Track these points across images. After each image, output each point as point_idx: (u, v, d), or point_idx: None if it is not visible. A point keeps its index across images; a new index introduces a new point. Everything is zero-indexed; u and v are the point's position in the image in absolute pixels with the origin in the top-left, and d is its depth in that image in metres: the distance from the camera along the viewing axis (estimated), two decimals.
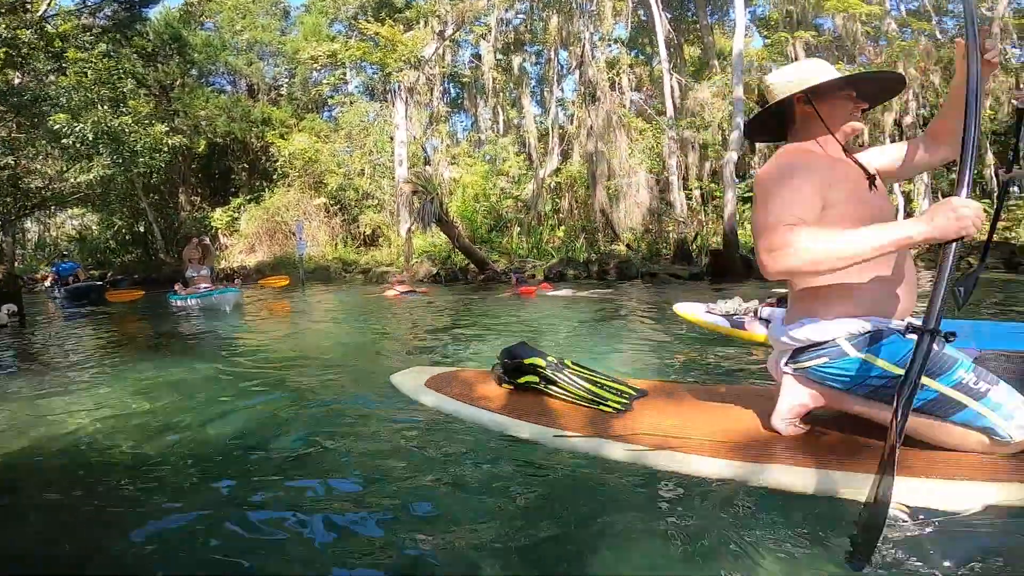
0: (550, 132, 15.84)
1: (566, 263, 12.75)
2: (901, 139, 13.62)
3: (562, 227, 14.15)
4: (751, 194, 10.58)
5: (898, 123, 12.33)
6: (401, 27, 17.89)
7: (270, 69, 22.83)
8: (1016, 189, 10.96)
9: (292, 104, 21.26)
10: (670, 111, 12.83)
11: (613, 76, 15.12)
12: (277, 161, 18.38)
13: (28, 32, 7.11)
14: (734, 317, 4.29)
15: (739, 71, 11.04)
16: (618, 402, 1.99)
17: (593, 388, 2.06)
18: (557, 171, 15.02)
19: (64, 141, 7.77)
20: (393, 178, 17.20)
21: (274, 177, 18.70)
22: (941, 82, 12.12)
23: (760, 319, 4.10)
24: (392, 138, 17.65)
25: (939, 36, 14.33)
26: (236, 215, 18.67)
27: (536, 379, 2.16)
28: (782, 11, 13.84)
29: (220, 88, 22.06)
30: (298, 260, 15.61)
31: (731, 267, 10.48)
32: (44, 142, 8.09)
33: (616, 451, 1.77)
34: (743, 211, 11.04)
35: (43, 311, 10.28)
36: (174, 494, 2.08)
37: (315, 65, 20.66)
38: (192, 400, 3.34)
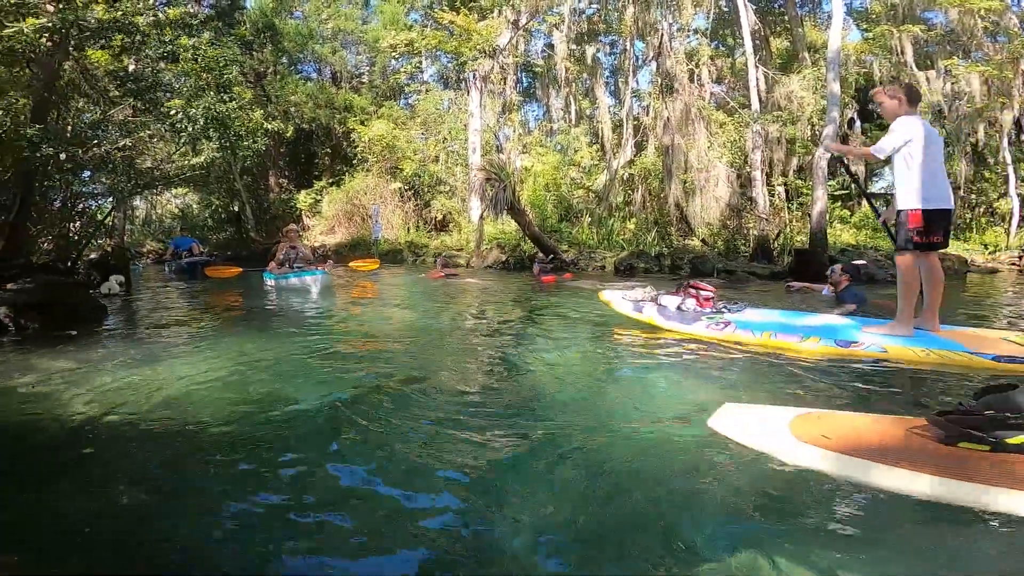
0: (624, 123, 15.27)
1: (637, 256, 12.29)
2: (1019, 138, 12.30)
3: (633, 219, 13.66)
4: (843, 192, 9.96)
5: (1017, 122, 11.10)
6: (475, 16, 17.64)
7: (352, 57, 23.14)
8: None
9: (372, 91, 21.52)
10: (755, 104, 12.04)
11: (692, 67, 14.36)
12: (357, 146, 18.69)
13: (142, 19, 7.25)
14: (638, 303, 4.82)
15: (835, 65, 10.16)
16: None
17: None
18: (630, 163, 14.50)
19: (177, 126, 7.97)
20: (466, 165, 17.10)
21: (354, 162, 19.05)
22: None
23: (659, 305, 4.61)
24: (466, 126, 17.53)
25: None
26: (318, 197, 19.16)
27: None
28: (885, 4, 12.68)
29: (307, 76, 22.57)
30: (372, 242, 15.87)
31: (816, 268, 9.76)
32: (158, 125, 8.33)
33: None
34: (833, 210, 10.27)
35: (147, 282, 10.90)
36: (260, 464, 2.10)
37: (393, 54, 20.74)
38: (279, 376, 3.41)
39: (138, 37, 7.64)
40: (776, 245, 11.10)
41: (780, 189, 12.27)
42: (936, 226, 3.53)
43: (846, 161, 5.22)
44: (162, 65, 8.96)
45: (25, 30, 5.42)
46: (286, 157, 21.09)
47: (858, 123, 14.11)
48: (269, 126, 12.44)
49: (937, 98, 12.59)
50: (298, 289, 7.78)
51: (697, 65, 14.58)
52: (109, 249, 10.10)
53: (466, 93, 17.98)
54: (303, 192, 19.60)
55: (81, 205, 9.16)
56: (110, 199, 9.35)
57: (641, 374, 3.43)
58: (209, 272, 9.93)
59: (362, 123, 18.91)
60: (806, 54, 13.80)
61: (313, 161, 21.12)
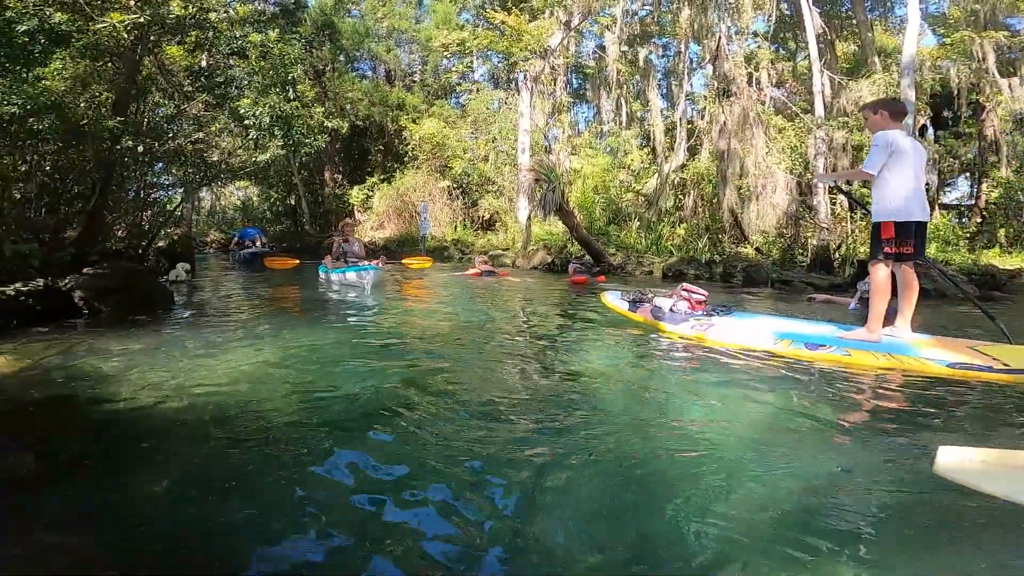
0: (677, 126, 14.85)
1: (687, 262, 11.90)
2: None
3: (684, 225, 13.26)
4: None
5: None
6: (526, 16, 17.49)
7: (406, 56, 23.38)
8: None
9: (424, 90, 21.68)
10: (819, 110, 11.46)
11: (751, 71, 13.82)
12: (408, 144, 18.86)
13: (214, 15, 7.40)
14: (633, 302, 5.17)
15: (910, 71, 9.58)
16: None
17: None
18: (683, 167, 14.08)
19: (246, 123, 8.14)
20: (515, 165, 17.00)
21: (405, 159, 19.22)
22: None
23: (654, 306, 4.86)
24: (516, 126, 17.42)
25: None
26: (370, 193, 19.44)
27: None
28: (964, 9, 11.87)
29: (363, 74, 22.95)
30: (420, 239, 15.96)
31: None
32: (227, 120, 8.53)
33: None
34: None
35: (209, 271, 11.23)
36: (308, 455, 2.12)
37: (445, 53, 20.84)
38: (330, 369, 3.44)
39: (211, 33, 7.84)
40: (837, 256, 10.54)
41: (843, 198, 11.67)
42: (907, 237, 3.66)
43: (839, 185, 5.16)
44: (232, 61, 9.19)
45: (116, 24, 5.57)
46: (341, 153, 21.51)
47: (931, 130, 13.29)
48: (329, 124, 12.65)
49: (1020, 106, 11.72)
50: (351, 284, 7.78)
51: (756, 68, 14.03)
52: (177, 238, 10.47)
53: (516, 93, 17.88)
54: (356, 188, 19.93)
55: (153, 195, 9.50)
56: (180, 190, 9.69)
57: (686, 386, 3.26)
58: (268, 263, 10.11)
59: (414, 121, 19.08)
60: (876, 59, 13.08)
61: (366, 158, 21.47)
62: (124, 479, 1.94)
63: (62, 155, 6.69)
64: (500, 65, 21.36)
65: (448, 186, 17.96)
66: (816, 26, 12.08)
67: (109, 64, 7.50)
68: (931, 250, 10.94)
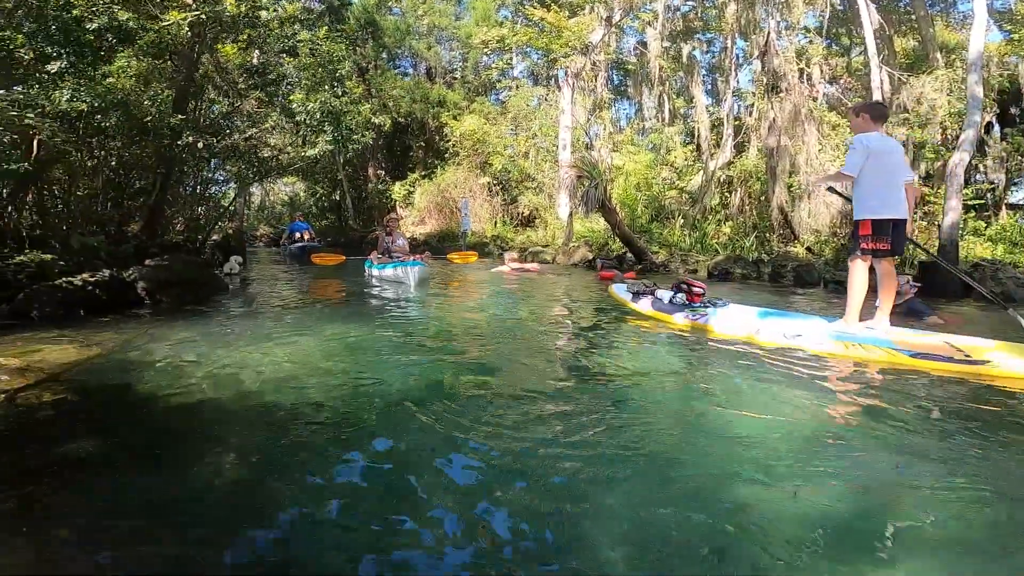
0: (724, 123, 14.34)
1: (733, 261, 11.47)
2: None
3: (730, 223, 12.79)
4: (978, 202, 8.58)
5: None
6: (566, 13, 17.18)
7: (446, 53, 23.37)
8: None
9: (464, 87, 21.63)
10: None
11: (803, 66, 13.20)
12: (449, 141, 18.84)
13: (265, 13, 7.45)
14: (635, 294, 5.43)
15: (978, 67, 8.93)
16: None
17: None
18: (729, 164, 13.59)
19: (297, 119, 8.20)
20: (555, 162, 16.77)
21: (445, 155, 19.22)
22: None
23: (655, 298, 5.12)
24: (556, 122, 17.18)
25: None
26: (411, 189, 19.54)
27: None
28: None
29: (404, 71, 23.06)
30: (460, 235, 15.93)
31: (944, 284, 8.63)
32: (279, 117, 8.62)
33: None
34: (966, 221, 9.03)
35: (260, 264, 11.46)
36: (351, 448, 2.15)
37: (485, 50, 20.74)
38: (375, 363, 3.44)
39: (263, 31, 7.92)
40: (896, 257, 9.96)
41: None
42: (883, 234, 3.78)
43: (831, 186, 5.06)
44: (283, 58, 9.29)
45: (179, 21, 5.65)
46: (383, 149, 21.70)
47: (996, 127, 12.44)
48: (376, 120, 12.72)
49: None
50: (396, 280, 7.68)
51: (808, 64, 13.40)
52: (230, 232, 10.70)
53: (557, 90, 17.63)
54: (398, 184, 20.07)
55: (209, 191, 9.70)
56: (233, 185, 9.86)
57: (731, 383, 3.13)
58: (315, 259, 10.11)
59: (454, 118, 19.05)
60: (938, 55, 12.31)
61: (408, 154, 21.58)
62: (180, 465, 2.00)
63: (126, 151, 6.86)
64: (540, 62, 21.13)
65: (488, 182, 17.87)
66: (873, 21, 11.44)
67: (169, 62, 7.65)
68: (998, 251, 10.23)
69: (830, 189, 4.72)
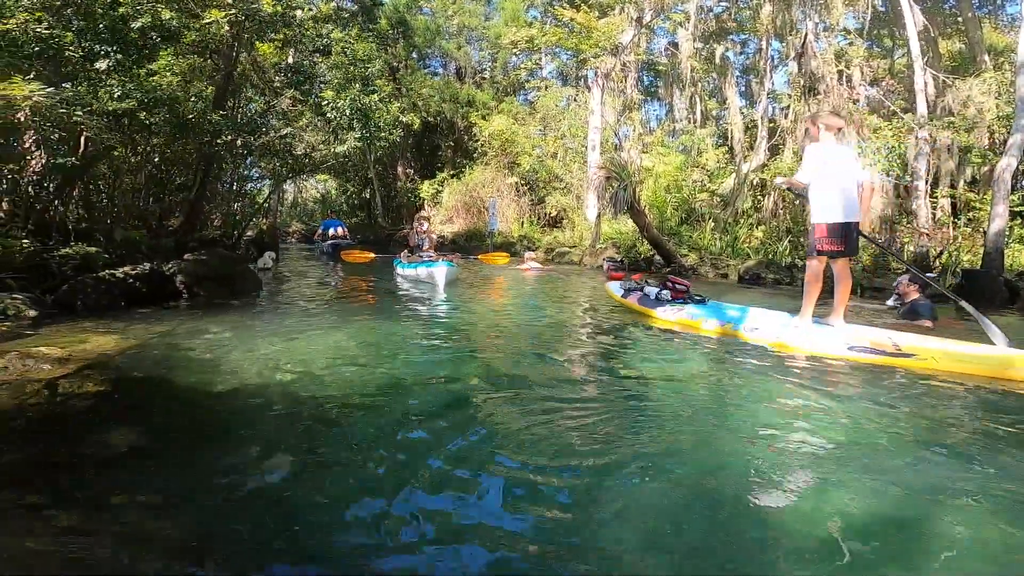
0: (759, 125, 13.98)
1: (765, 265, 11.16)
2: None
3: (762, 227, 12.45)
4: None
5: None
6: (596, 13, 16.96)
7: (475, 53, 23.36)
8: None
9: (493, 87, 21.59)
10: (922, 108, 10.42)
11: (842, 68, 12.78)
12: (478, 140, 18.81)
13: (299, 13, 7.51)
14: (628, 290, 5.75)
15: None
16: None
17: None
18: (763, 167, 13.24)
19: (328, 115, 8.26)
20: (583, 162, 16.60)
21: (474, 155, 19.21)
22: None
23: (643, 294, 5.43)
24: (585, 123, 17.01)
25: None
26: (440, 188, 19.59)
27: None
28: None
29: (434, 71, 23.15)
30: (488, 235, 15.89)
31: (989, 293, 8.24)
32: (311, 115, 8.70)
33: None
34: (1011, 228, 8.59)
35: (292, 260, 11.58)
36: (379, 442, 2.14)
37: (514, 50, 20.66)
38: (401, 360, 3.42)
39: (298, 30, 8.01)
40: (938, 264, 9.54)
41: (945, 202, 10.55)
42: (836, 237, 4.04)
43: (793, 190, 5.28)
44: (317, 58, 9.38)
45: (219, 19, 5.72)
46: (413, 148, 21.82)
47: None
48: (404, 118, 12.78)
49: None
50: (424, 281, 7.47)
51: (848, 66, 12.96)
52: (264, 228, 10.86)
53: (586, 90, 17.45)
54: (426, 182, 20.15)
55: (245, 188, 9.86)
56: (268, 182, 10.01)
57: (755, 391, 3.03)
58: (345, 256, 10.10)
59: (483, 118, 19.03)
60: (986, 57, 11.78)
61: (436, 153, 21.65)
62: (214, 457, 2.01)
63: (168, 148, 7.00)
64: (569, 62, 20.97)
65: (516, 183, 17.79)
66: (917, 23, 11.00)
67: (210, 61, 7.80)
68: None
69: (788, 190, 5.00)
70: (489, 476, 1.86)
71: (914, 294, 5.52)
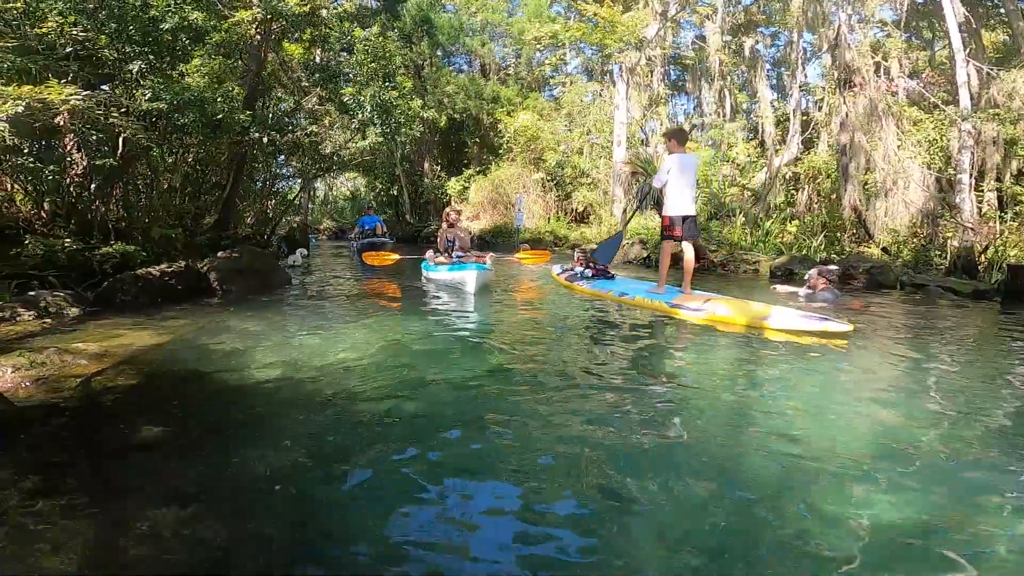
0: (791, 118, 13.52)
1: (798, 261, 10.78)
2: None
3: (795, 222, 12.04)
4: None
5: None
6: (620, 7, 16.63)
7: (500, 50, 23.24)
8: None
9: (518, 83, 21.45)
10: (964, 101, 9.89)
11: (880, 60, 12.24)
12: (503, 137, 18.72)
13: (325, 12, 7.51)
14: (564, 269, 7.24)
15: None
16: None
17: None
18: (796, 161, 12.81)
19: (349, 111, 8.26)
20: (610, 158, 16.36)
21: (500, 151, 19.13)
22: None
23: (572, 273, 6.91)
24: (611, 118, 16.74)
25: None
26: (467, 185, 19.57)
27: None
28: None
29: (459, 68, 23.11)
30: (515, 231, 15.79)
31: None
32: (336, 114, 8.72)
33: None
34: None
35: (323, 257, 11.64)
36: (401, 439, 2.14)
37: (538, 46, 20.46)
38: (424, 360, 3.36)
39: (324, 29, 8.02)
40: (983, 259, 9.06)
41: (991, 196, 10.01)
42: (676, 226, 5.36)
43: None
44: (342, 56, 9.40)
45: (245, 19, 5.75)
46: (439, 145, 21.85)
47: None
48: (425, 114, 12.74)
49: None
50: (454, 286, 6.60)
51: (885, 58, 12.41)
52: (295, 225, 10.97)
53: (611, 85, 17.17)
54: (453, 179, 20.15)
55: (276, 186, 9.97)
56: (298, 181, 10.11)
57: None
58: (366, 258, 8.78)
59: (508, 114, 18.91)
60: None
61: (463, 150, 21.63)
62: (242, 450, 2.02)
63: (201, 148, 7.09)
64: (593, 57, 20.68)
65: (542, 178, 17.64)
66: (958, 14, 10.44)
67: (239, 61, 7.88)
68: None
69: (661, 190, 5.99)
70: (513, 475, 1.85)
71: (822, 285, 6.48)
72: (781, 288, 7.56)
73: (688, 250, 5.51)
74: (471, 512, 1.62)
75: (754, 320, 4.55)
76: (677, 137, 5.58)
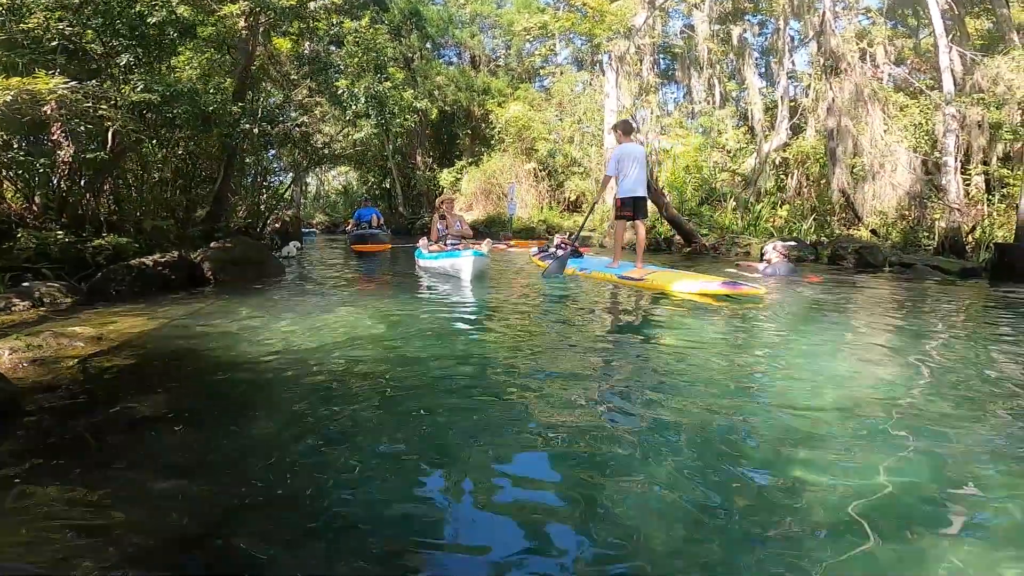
0: (779, 105, 13.59)
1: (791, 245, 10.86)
2: None
3: (786, 206, 12.14)
4: None
5: None
6: None
7: (489, 41, 23.15)
8: None
9: (508, 74, 21.40)
10: (948, 86, 9.98)
11: (864, 47, 12.31)
12: (495, 127, 18.69)
13: (313, 4, 7.47)
14: (541, 250, 8.22)
15: None
16: None
17: None
18: (785, 146, 12.88)
19: (344, 104, 8.24)
20: (601, 146, 16.36)
21: (491, 142, 19.10)
22: None
23: (545, 254, 7.67)
24: (601, 107, 16.73)
25: None
26: (459, 176, 19.54)
27: None
28: None
29: (449, 60, 23.01)
30: (507, 220, 15.81)
31: (1021, 266, 7.93)
32: (328, 105, 8.69)
33: None
34: None
35: (318, 249, 11.64)
36: (397, 417, 2.13)
37: (527, 36, 20.39)
38: (418, 342, 3.35)
39: (311, 22, 7.98)
40: (971, 239, 9.18)
41: (978, 178, 10.12)
42: (627, 207, 6.01)
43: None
44: (331, 48, 9.36)
45: (233, 12, 5.74)
46: (431, 138, 21.79)
47: None
48: (418, 104, 12.71)
49: None
50: (448, 273, 6.40)
51: (871, 45, 12.48)
52: (288, 219, 10.94)
53: (601, 74, 17.14)
54: (445, 171, 20.12)
55: (268, 180, 9.95)
56: (290, 175, 10.09)
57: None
58: (355, 247, 8.92)
59: (499, 105, 18.87)
60: (1014, 35, 11.20)
61: (454, 141, 21.59)
62: (234, 428, 2.04)
63: (192, 141, 7.08)
64: (583, 47, 20.62)
65: (534, 168, 17.65)
66: (940, 1, 10.50)
67: (228, 55, 7.84)
68: None
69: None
70: (510, 460, 1.83)
71: (775, 259, 6.94)
72: (744, 264, 8.16)
73: (640, 229, 6.13)
74: (464, 487, 1.63)
75: (684, 287, 5.19)
76: (623, 128, 6.22)
